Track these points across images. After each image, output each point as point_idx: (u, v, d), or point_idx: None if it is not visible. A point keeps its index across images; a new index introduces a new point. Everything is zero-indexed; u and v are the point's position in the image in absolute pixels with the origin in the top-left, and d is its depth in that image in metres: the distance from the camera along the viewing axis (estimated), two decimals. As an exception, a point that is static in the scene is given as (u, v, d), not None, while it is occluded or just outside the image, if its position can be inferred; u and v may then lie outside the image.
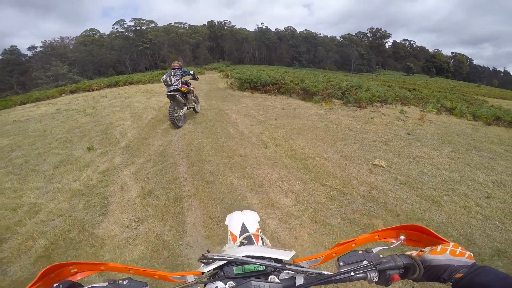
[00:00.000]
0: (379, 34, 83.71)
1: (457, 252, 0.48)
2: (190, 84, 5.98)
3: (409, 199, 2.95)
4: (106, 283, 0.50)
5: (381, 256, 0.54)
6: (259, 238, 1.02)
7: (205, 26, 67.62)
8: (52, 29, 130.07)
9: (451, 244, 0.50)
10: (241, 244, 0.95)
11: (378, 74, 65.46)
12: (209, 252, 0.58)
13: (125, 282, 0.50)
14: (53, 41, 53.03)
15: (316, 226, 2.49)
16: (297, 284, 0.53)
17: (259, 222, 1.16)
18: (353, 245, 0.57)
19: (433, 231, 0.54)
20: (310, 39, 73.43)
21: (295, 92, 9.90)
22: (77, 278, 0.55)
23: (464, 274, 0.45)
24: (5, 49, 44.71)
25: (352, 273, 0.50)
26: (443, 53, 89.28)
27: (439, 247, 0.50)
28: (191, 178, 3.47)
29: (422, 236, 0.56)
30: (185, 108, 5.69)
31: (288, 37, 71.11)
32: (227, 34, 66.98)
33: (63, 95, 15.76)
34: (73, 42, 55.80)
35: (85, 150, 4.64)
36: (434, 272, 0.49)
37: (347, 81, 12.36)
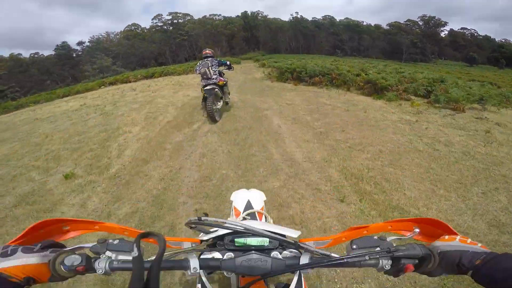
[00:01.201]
0: (432, 22, 73.98)
1: (468, 242, 0.46)
2: (223, 74, 5.22)
3: None
4: (95, 243, 0.47)
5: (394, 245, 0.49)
6: (263, 216, 0.99)
7: (239, 17, 66.35)
8: (99, 25, 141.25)
9: (459, 235, 0.48)
10: (244, 219, 0.91)
11: (435, 63, 57.58)
12: (206, 215, 0.51)
13: (115, 242, 0.48)
14: (100, 36, 56.54)
15: None
16: (301, 263, 0.50)
17: (265, 201, 1.12)
18: (365, 232, 0.55)
19: (449, 226, 0.52)
20: (352, 26, 67.63)
21: (354, 85, 7.55)
22: (69, 236, 0.54)
23: (483, 260, 0.41)
24: (57, 45, 48.87)
25: (366, 257, 0.47)
26: (513, 43, 76.33)
27: (446, 236, 0.48)
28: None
29: (436, 230, 0.53)
30: (222, 101, 5.01)
31: (327, 25, 66.40)
32: (260, 24, 65.02)
33: (102, 87, 16.26)
34: (117, 36, 59.04)
35: (62, 178, 3.23)
36: (450, 259, 0.45)
37: (422, 73, 9.47)
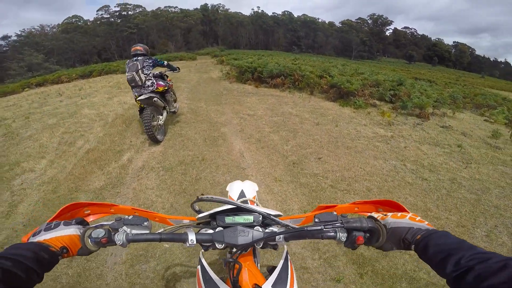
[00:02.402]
0: (380, 21, 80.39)
1: (417, 219, 0.52)
2: (167, 76, 4.13)
3: None
4: (113, 221, 0.58)
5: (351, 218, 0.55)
6: (255, 204, 1.07)
7: (198, 9, 63.62)
8: (34, 18, 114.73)
9: (410, 213, 0.54)
10: None
11: (379, 61, 62.52)
12: (203, 195, 0.59)
13: (130, 217, 0.59)
14: (33, 30, 48.11)
15: None
16: (277, 237, 0.58)
17: (257, 191, 1.19)
18: (334, 212, 0.59)
19: (404, 206, 0.61)
20: (309, 23, 69.78)
21: (317, 88, 7.01)
22: (90, 219, 0.67)
23: (422, 236, 0.47)
24: (-24, 39, 40.25)
25: (323, 227, 0.54)
26: (444, 42, 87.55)
27: (399, 213, 0.54)
28: None
29: (395, 211, 0.59)
30: (165, 113, 3.91)
31: (286, 21, 67.42)
32: (221, 18, 63.30)
33: (26, 89, 13.77)
34: (54, 30, 51.11)
35: None
36: (396, 235, 0.51)
37: (383, 74, 9.48)
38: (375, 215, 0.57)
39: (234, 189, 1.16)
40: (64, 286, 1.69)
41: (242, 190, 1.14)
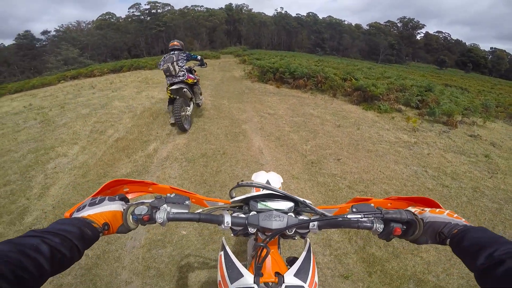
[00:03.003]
0: (411, 24, 76.74)
1: (454, 216, 0.52)
2: (195, 71, 4.45)
3: None
4: (154, 199, 0.60)
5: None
6: None
7: (223, 9, 64.68)
8: (71, 14, 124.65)
9: (449, 210, 0.54)
10: None
11: (408, 66, 59.72)
12: (242, 181, 0.66)
13: (172, 195, 0.61)
14: (70, 25, 51.77)
15: None
16: (311, 225, 0.58)
17: (282, 183, 1.20)
18: (372, 204, 0.60)
19: (439, 204, 0.59)
20: (334, 25, 68.45)
21: (340, 91, 6.91)
22: (129, 197, 0.66)
23: (458, 230, 0.47)
24: (18, 34, 43.99)
25: (362, 216, 0.55)
26: (480, 48, 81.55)
27: (437, 209, 0.55)
28: None
29: (428, 207, 0.59)
30: (192, 104, 4.23)
31: (310, 22, 66.66)
32: (244, 18, 63.86)
33: (62, 81, 14.55)
34: (89, 26, 54.54)
35: None
36: (434, 229, 0.51)
37: (411, 79, 9.09)
38: (412, 209, 0.57)
39: (259, 179, 1.15)
40: (82, 267, 1.78)
41: (268, 180, 1.13)
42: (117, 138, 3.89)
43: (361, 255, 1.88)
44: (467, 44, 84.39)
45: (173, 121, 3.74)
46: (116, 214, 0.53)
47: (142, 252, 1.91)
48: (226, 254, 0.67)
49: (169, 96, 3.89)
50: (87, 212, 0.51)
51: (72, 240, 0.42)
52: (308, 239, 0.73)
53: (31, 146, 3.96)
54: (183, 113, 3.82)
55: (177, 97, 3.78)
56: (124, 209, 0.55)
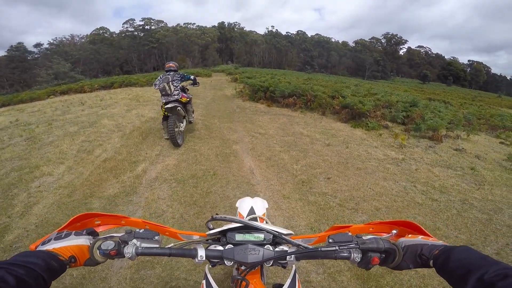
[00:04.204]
0: (394, 40, 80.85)
1: (430, 239, 0.53)
2: (188, 90, 4.77)
3: None
4: (123, 233, 0.58)
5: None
6: (264, 221, 1.04)
7: (215, 27, 66.51)
8: (65, 27, 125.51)
9: (422, 235, 0.56)
10: None
11: (393, 81, 62.21)
12: (217, 214, 0.62)
13: (141, 231, 0.60)
14: (63, 39, 51.79)
15: None
16: (288, 256, 0.58)
17: (267, 209, 1.18)
18: (348, 232, 0.60)
19: (422, 228, 0.58)
20: (322, 43, 71.32)
21: (329, 109, 7.09)
22: (99, 230, 0.65)
23: (440, 251, 0.46)
24: (11, 46, 43.65)
25: (337, 248, 0.54)
26: (459, 61, 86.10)
27: (410, 235, 0.57)
28: None
29: (411, 232, 0.61)
30: (185, 121, 4.43)
31: (299, 41, 69.19)
32: (236, 36, 65.75)
33: (51, 96, 14.44)
34: (83, 40, 54.69)
35: None
36: (412, 252, 0.51)
37: (397, 95, 9.47)
38: (395, 232, 0.57)
39: (244, 206, 1.15)
40: (66, 287, 1.72)
41: (252, 207, 1.12)
42: (105, 158, 3.81)
43: (355, 271, 1.87)
44: (446, 57, 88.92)
45: (167, 137, 4.10)
46: (82, 248, 0.54)
47: (130, 272, 1.85)
48: (208, 283, 0.66)
49: (164, 113, 4.05)
50: (52, 246, 0.51)
51: (38, 272, 0.42)
52: (294, 265, 0.71)
53: (15, 164, 3.82)
54: (177, 129, 4.07)
55: (171, 115, 3.97)
56: (91, 244, 0.55)
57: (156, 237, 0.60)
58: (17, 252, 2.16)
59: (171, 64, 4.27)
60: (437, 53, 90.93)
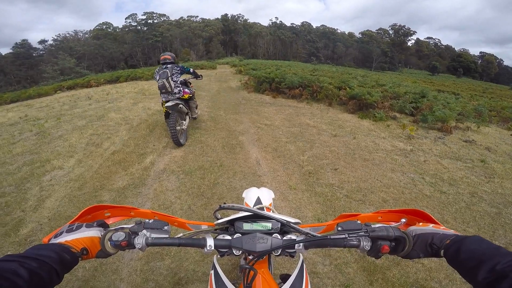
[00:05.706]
0: (402, 31, 78.53)
1: (441, 227, 0.51)
2: (190, 83, 4.42)
3: None
4: (133, 224, 0.59)
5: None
6: (271, 211, 1.04)
7: (218, 19, 65.81)
8: (66, 23, 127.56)
9: (434, 224, 0.54)
10: None
11: (401, 72, 60.84)
12: (225, 203, 0.61)
13: (150, 221, 0.60)
14: (67, 35, 52.05)
15: None
16: (296, 245, 0.58)
17: (273, 199, 1.19)
18: (358, 220, 0.58)
19: (432, 217, 0.57)
20: (328, 34, 69.97)
21: (335, 100, 7.00)
22: (110, 222, 0.66)
23: (451, 240, 0.45)
24: (16, 43, 44.18)
25: (346, 236, 0.53)
26: (470, 53, 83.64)
27: (421, 223, 0.56)
28: None
29: (421, 220, 0.59)
30: (187, 118, 4.15)
31: (304, 32, 67.99)
32: (240, 28, 65.07)
33: (58, 91, 14.66)
34: (86, 35, 54.86)
35: None
36: (423, 240, 0.49)
37: (405, 86, 9.26)
38: (404, 221, 0.56)
39: (250, 196, 1.15)
40: (79, 279, 1.76)
41: (258, 197, 1.12)
42: (113, 151, 3.86)
43: (362, 263, 1.87)
44: (456, 49, 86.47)
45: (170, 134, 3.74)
46: (94, 240, 0.54)
47: (140, 264, 1.88)
48: (216, 273, 0.66)
49: (165, 110, 3.85)
50: (64, 238, 0.52)
51: (50, 264, 0.42)
52: (301, 255, 0.71)
53: (26, 159, 3.91)
54: (179, 127, 3.78)
55: (172, 113, 3.70)
56: (101, 235, 0.55)
57: (166, 227, 0.60)
58: (32, 245, 2.24)
59: (166, 56, 3.77)
60: (447, 44, 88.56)
